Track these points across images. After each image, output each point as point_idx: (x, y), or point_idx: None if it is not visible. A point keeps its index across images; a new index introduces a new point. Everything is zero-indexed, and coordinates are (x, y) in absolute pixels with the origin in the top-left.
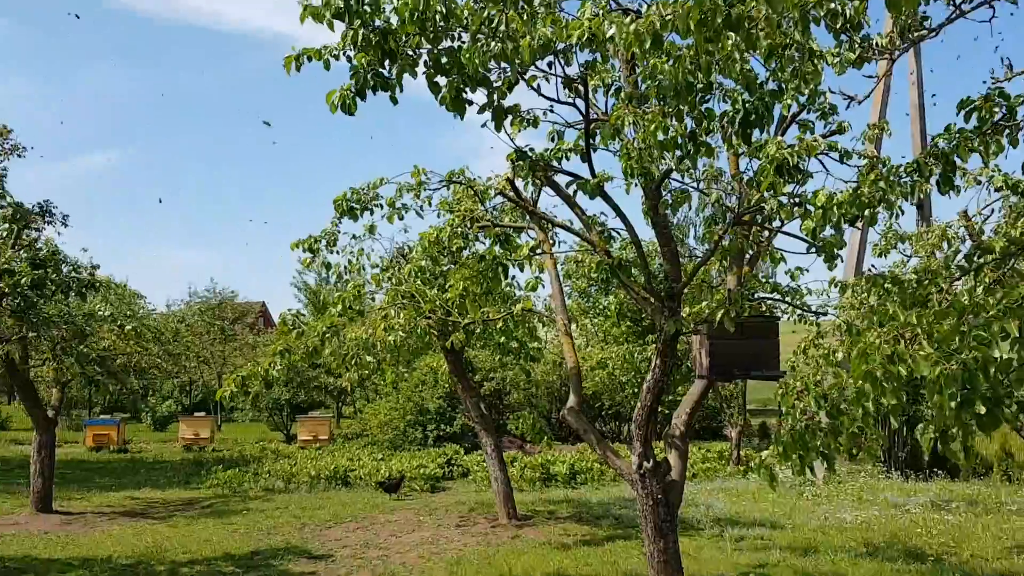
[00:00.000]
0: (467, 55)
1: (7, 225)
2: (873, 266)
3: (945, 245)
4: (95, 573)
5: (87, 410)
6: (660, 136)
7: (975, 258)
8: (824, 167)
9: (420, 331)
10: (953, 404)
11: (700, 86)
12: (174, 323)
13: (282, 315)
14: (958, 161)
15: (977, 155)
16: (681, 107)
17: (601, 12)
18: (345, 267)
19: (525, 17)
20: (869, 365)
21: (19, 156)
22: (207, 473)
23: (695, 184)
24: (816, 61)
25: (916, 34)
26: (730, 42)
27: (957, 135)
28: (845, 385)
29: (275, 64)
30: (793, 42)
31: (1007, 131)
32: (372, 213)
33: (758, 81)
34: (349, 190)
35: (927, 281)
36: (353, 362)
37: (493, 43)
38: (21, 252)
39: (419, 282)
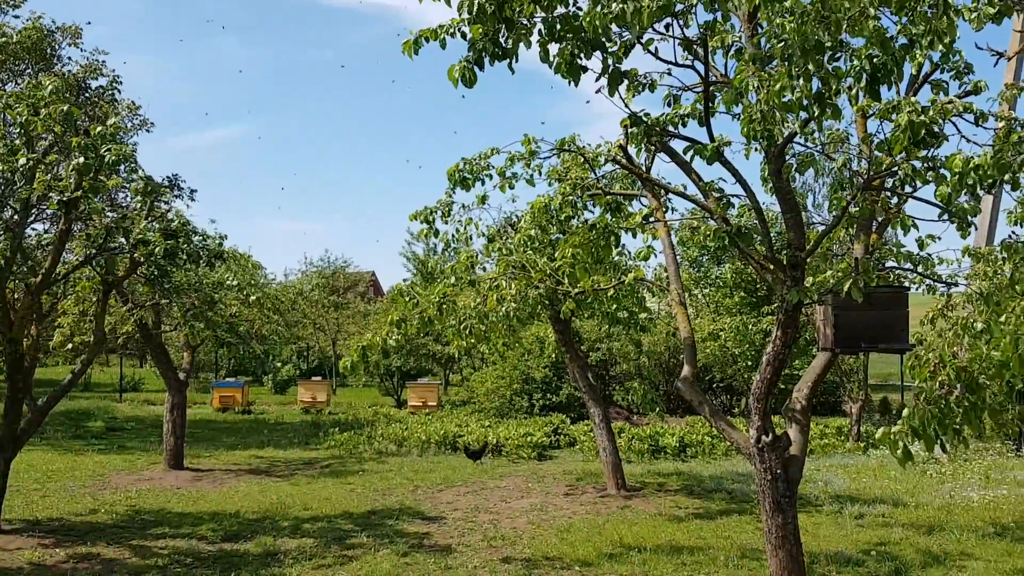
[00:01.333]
0: (588, 18)
1: (140, 198)
2: (1014, 233)
3: None
4: (224, 526)
5: (214, 373)
6: (786, 97)
7: None
8: (958, 130)
9: (531, 301)
10: None
11: (829, 44)
12: (292, 293)
13: (396, 286)
14: None
15: None
16: (808, 67)
17: None
18: (453, 235)
19: None
20: (1015, 343)
21: (147, 131)
22: (324, 435)
23: (819, 148)
24: (952, 15)
25: None
26: None
27: None
28: (985, 358)
29: (384, 38)
30: None
31: None
32: (483, 184)
33: (888, 36)
34: (462, 160)
35: None
36: (467, 331)
37: (614, 4)
38: (154, 223)
39: (529, 251)
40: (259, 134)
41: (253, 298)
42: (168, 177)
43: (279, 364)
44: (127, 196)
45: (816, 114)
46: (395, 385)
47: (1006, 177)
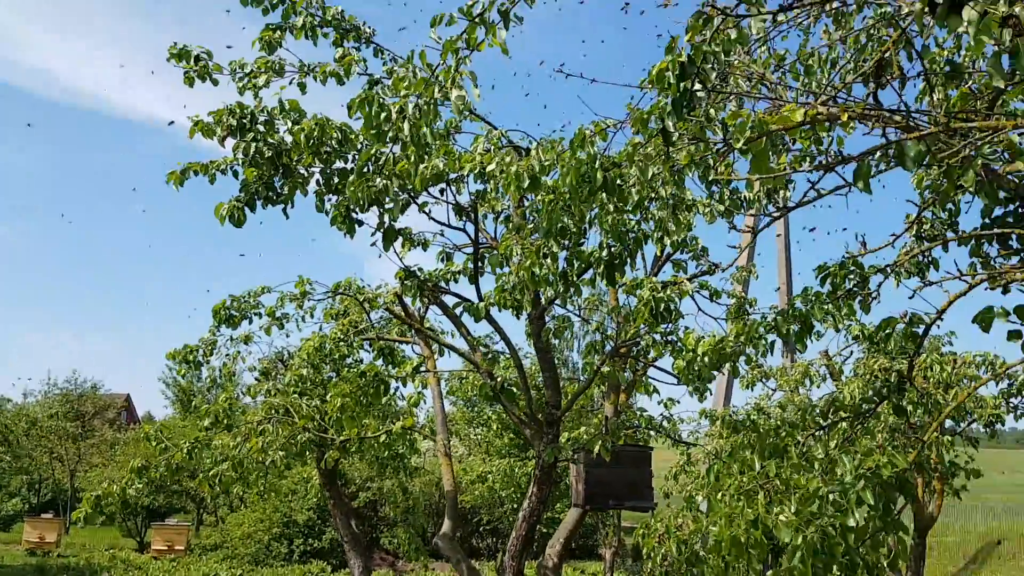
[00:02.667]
0: (351, 189)
1: None
2: (735, 406)
3: (807, 381)
4: None
5: None
6: (535, 272)
7: (830, 413)
8: (697, 304)
9: (300, 446)
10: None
11: (573, 229)
12: (25, 423)
13: (144, 427)
14: (816, 324)
15: (832, 317)
16: (554, 248)
17: (493, 148)
18: (219, 370)
19: (413, 158)
20: (733, 529)
21: None
22: None
23: (577, 311)
24: (686, 212)
25: (777, 207)
26: (603, 195)
27: (813, 298)
28: (705, 532)
29: (166, 148)
30: (661, 197)
31: (859, 298)
32: (251, 322)
33: (626, 230)
34: (229, 297)
35: (784, 433)
36: (217, 479)
37: (379, 179)
38: None
39: (296, 394)
40: (21, 234)
41: None
42: None
43: (4, 497)
44: None
45: (561, 291)
46: (138, 525)
47: (727, 363)
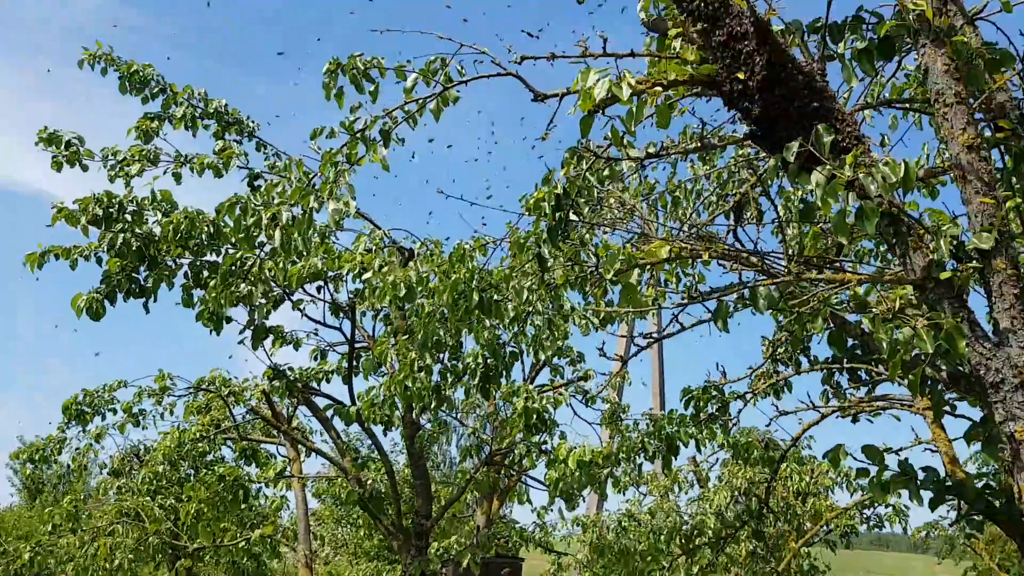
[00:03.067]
0: (212, 294)
1: None
2: (607, 510)
3: (676, 487)
4: None
5: None
6: (408, 384)
7: (693, 538)
8: (572, 409)
9: (150, 551)
10: None
11: (449, 343)
12: None
13: None
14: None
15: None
16: (428, 361)
17: (375, 248)
18: (68, 466)
19: (282, 264)
20: None
21: None
22: None
23: (454, 415)
24: (563, 323)
25: (645, 336)
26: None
27: (678, 420)
28: None
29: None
30: (538, 311)
31: (720, 422)
32: (104, 418)
33: (502, 344)
34: (82, 392)
35: (650, 558)
36: None
37: (243, 284)
38: None
39: (150, 493)
40: None
41: None
42: None
43: None
44: None
45: (433, 405)
46: None
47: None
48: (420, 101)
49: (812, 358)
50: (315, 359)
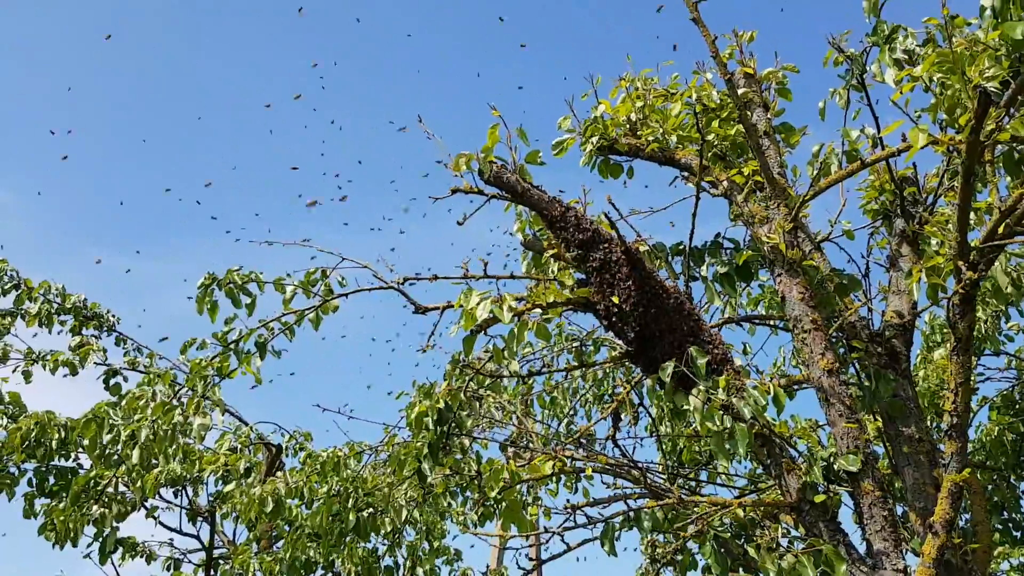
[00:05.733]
0: (61, 518)
1: None
2: None
3: None
4: None
5: None
6: None
7: None
8: None
9: None
10: None
11: (320, 560)
12: None
13: None
14: None
15: None
16: None
17: (240, 447)
18: None
19: (134, 477)
20: None
21: None
22: None
23: None
24: (440, 519)
25: (531, 559)
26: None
27: None
28: None
29: None
30: (413, 522)
31: None
32: None
33: (377, 558)
34: None
35: None
36: None
37: (96, 507)
38: None
39: None
40: None
41: None
42: None
43: None
44: None
45: None
46: None
47: None
48: (299, 313)
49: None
50: (167, 571)
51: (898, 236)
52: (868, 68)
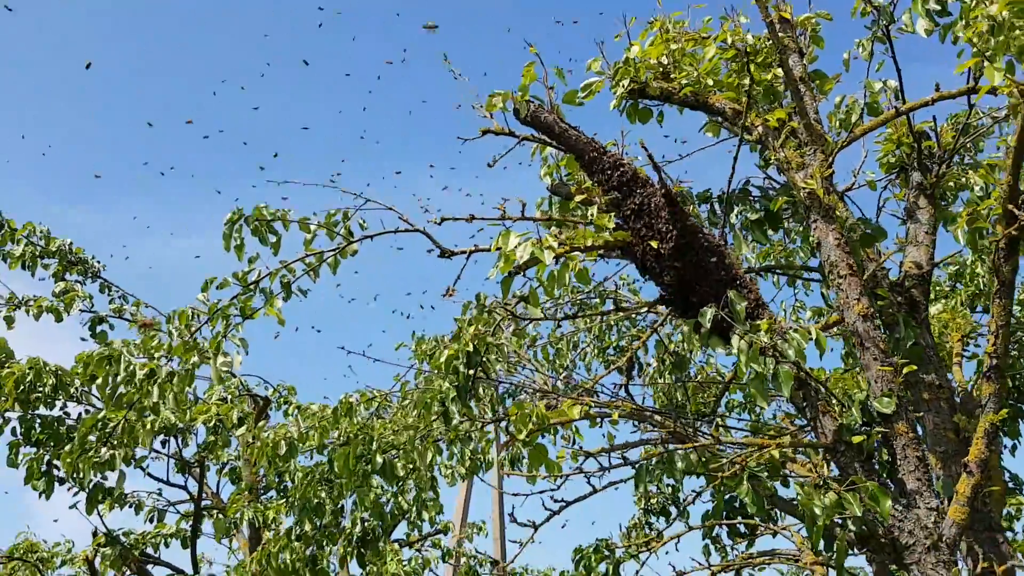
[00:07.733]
0: (68, 460)
1: None
2: None
3: None
4: None
5: None
6: (285, 557)
7: None
8: (435, 574)
9: None
10: None
11: (329, 506)
12: None
13: None
14: None
15: None
16: (307, 529)
17: (230, 398)
18: None
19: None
20: None
21: None
22: None
23: None
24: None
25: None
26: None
27: None
28: None
29: None
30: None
31: None
32: None
33: (386, 502)
34: None
35: None
36: None
37: (105, 449)
38: None
39: None
40: None
41: None
42: None
43: None
44: None
45: None
46: None
47: None
48: (319, 254)
49: (683, 510)
50: (150, 521)
51: (915, 189)
52: (897, 19)
